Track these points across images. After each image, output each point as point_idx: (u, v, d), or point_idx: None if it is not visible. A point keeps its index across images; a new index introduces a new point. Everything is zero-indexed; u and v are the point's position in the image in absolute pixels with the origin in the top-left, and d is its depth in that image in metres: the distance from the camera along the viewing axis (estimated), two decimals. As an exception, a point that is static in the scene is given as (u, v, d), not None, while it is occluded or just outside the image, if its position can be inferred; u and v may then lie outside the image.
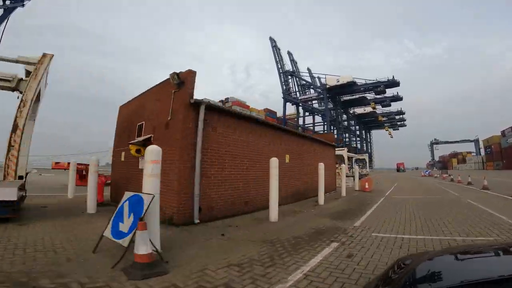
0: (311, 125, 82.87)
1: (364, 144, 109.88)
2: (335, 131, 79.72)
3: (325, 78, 69.53)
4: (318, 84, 75.85)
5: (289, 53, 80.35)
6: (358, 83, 68.01)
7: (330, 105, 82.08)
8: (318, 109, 77.59)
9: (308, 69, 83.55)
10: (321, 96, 71.12)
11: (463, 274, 1.24)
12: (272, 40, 73.99)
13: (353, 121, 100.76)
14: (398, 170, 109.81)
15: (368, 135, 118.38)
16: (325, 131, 69.18)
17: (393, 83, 68.83)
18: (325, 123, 74.44)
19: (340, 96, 74.90)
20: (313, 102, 78.87)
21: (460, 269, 1.37)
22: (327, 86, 67.80)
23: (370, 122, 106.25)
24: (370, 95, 76.16)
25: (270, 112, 72.35)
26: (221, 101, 64.60)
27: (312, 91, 77.14)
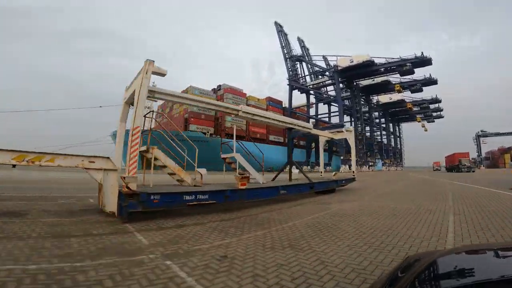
0: (326, 116, 75.26)
1: (392, 139, 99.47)
2: (352, 123, 71.72)
3: (337, 59, 61.77)
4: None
5: (300, 40, 74.07)
6: (377, 63, 59.58)
7: (347, 93, 74.34)
8: (329, 96, 69.83)
9: (324, 57, 76.25)
10: (333, 80, 63.29)
11: (477, 273, 1.20)
12: (277, 25, 68.61)
13: (377, 112, 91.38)
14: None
15: (398, 129, 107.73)
16: (340, 123, 61.47)
17: (423, 61, 59.84)
18: (332, 113, 66.83)
19: (357, 81, 66.82)
20: (328, 89, 71.39)
21: (474, 268, 1.27)
22: (339, 68, 60.05)
23: (398, 113, 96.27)
24: (395, 78, 67.36)
25: (272, 101, 66.09)
26: (213, 89, 59.57)
27: (326, 78, 69.51)
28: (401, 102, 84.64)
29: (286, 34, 68.38)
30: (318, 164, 72.65)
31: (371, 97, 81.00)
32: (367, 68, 59.36)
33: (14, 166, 5.52)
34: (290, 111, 66.14)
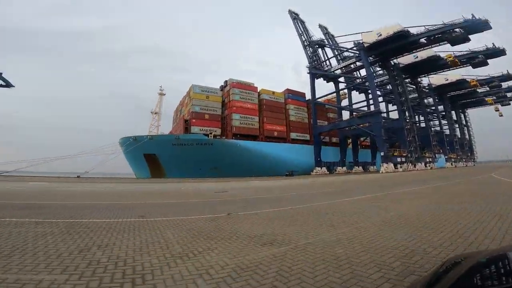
0: (363, 106, 65.80)
1: (457, 129, 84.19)
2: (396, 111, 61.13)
3: (361, 35, 52.82)
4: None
5: (322, 27, 66.30)
6: (414, 33, 49.11)
7: (385, 77, 64.05)
8: (362, 80, 60.47)
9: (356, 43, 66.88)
10: (362, 62, 54.26)
11: None
12: (292, 13, 62.26)
13: (431, 98, 77.89)
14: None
15: (463, 116, 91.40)
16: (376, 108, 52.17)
17: (478, 25, 47.37)
18: (371, 100, 57.09)
19: (394, 59, 56.63)
20: (361, 74, 62.06)
21: None
22: (365, 45, 51.04)
23: (461, 97, 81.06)
24: (446, 51, 55.50)
25: (292, 94, 59.24)
26: (221, 86, 55.22)
27: (358, 63, 59.97)
28: (462, 82, 70.17)
29: (303, 22, 61.41)
30: (357, 164, 63.12)
31: (419, 79, 68.67)
32: (401, 40, 49.00)
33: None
34: (314, 103, 58.36)
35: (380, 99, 69.30)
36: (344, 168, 60.39)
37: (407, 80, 67.40)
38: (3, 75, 48.66)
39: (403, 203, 8.32)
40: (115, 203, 10.36)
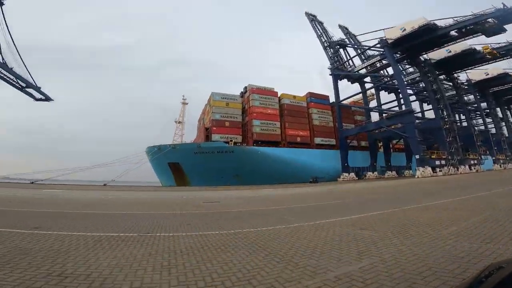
0: (395, 104, 62.51)
1: (504, 127, 76.87)
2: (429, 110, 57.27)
3: (384, 32, 50.38)
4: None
5: (342, 27, 64.43)
6: (442, 25, 45.83)
7: (416, 74, 60.42)
8: (389, 79, 57.38)
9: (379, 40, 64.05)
10: (385, 59, 51.68)
11: None
12: (309, 15, 61.51)
13: (471, 94, 72.00)
14: None
15: (510, 113, 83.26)
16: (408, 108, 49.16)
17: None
18: (402, 100, 53.85)
19: (421, 55, 53.30)
20: (390, 72, 58.99)
21: None
22: (389, 41, 48.52)
23: (505, 93, 73.94)
24: (482, 43, 51.20)
25: (315, 97, 57.84)
26: (241, 92, 55.25)
27: (384, 62, 57.14)
28: (504, 76, 64.06)
29: (321, 23, 60.16)
30: (390, 169, 59.58)
31: (455, 75, 63.81)
32: (428, 34, 45.76)
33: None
34: (339, 106, 56.24)
35: (413, 98, 65.65)
36: (375, 173, 57.19)
37: (442, 77, 63.15)
38: (41, 89, 52.69)
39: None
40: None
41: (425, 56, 55.09)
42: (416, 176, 45.09)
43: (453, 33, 47.15)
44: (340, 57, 58.41)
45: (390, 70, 57.77)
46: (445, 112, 53.81)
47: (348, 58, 58.56)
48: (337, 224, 6.71)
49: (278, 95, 55.18)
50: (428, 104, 66.92)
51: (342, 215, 8.14)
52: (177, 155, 47.37)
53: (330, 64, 57.33)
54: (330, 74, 57.02)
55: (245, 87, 55.05)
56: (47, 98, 55.17)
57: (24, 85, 50.28)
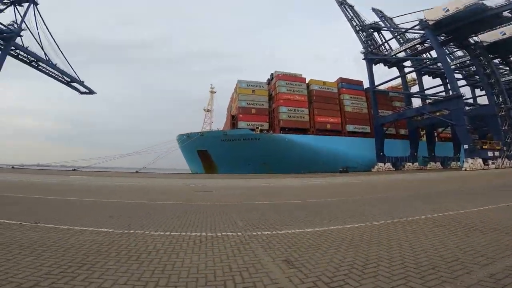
0: (441, 90, 57.12)
1: None
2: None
3: (423, 13, 46.07)
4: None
5: (376, 10, 59.91)
6: (491, 6, 40.40)
7: (466, 58, 54.42)
8: (432, 61, 52.50)
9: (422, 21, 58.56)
10: (427, 41, 47.26)
11: None
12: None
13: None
14: None
15: None
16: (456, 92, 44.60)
17: None
18: (448, 85, 48.94)
19: (470, 37, 47.93)
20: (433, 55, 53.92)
21: None
22: (430, 23, 44.18)
23: None
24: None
25: (347, 82, 55.23)
26: (268, 79, 54.49)
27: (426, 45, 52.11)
28: None
29: (351, 6, 56.55)
30: (434, 160, 54.62)
31: (511, 57, 56.31)
32: (475, 15, 40.54)
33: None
34: (373, 91, 52.78)
35: (462, 83, 59.49)
36: (416, 164, 52.79)
37: (497, 61, 56.31)
38: (85, 83, 57.30)
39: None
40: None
41: (475, 38, 49.55)
42: (463, 168, 40.40)
43: (506, 13, 41.65)
44: (375, 41, 54.74)
45: (433, 54, 52.78)
46: (500, 98, 48.00)
47: (383, 41, 54.53)
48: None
49: (307, 81, 53.61)
50: (481, 90, 60.07)
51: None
52: (205, 143, 48.20)
53: (363, 48, 53.99)
54: (364, 59, 53.70)
55: (272, 74, 54.17)
56: (91, 91, 60.03)
57: (69, 80, 55.12)
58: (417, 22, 47.07)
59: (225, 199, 10.35)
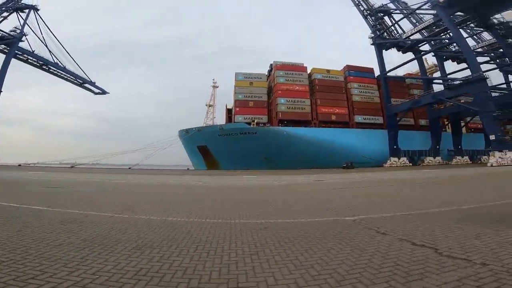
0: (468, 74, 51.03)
1: None
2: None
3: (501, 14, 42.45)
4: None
5: None
6: None
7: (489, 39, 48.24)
8: (450, 41, 47.13)
9: None
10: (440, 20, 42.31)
11: None
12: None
13: None
14: None
15: None
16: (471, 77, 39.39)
17: None
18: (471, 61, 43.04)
19: (492, 14, 42.66)
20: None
21: None
22: (441, 0, 39.55)
23: None
24: None
25: (354, 70, 51.62)
26: (268, 71, 52.46)
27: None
28: None
29: None
30: (461, 153, 48.48)
31: None
32: None
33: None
34: (385, 78, 48.24)
35: (494, 68, 52.63)
36: (438, 159, 47.15)
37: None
38: (96, 84, 59.53)
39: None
40: None
41: (499, 17, 43.85)
42: (489, 164, 34.15)
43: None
44: (385, 25, 50.34)
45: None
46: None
47: (394, 22, 49.80)
48: None
49: (308, 70, 50.54)
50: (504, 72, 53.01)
51: None
52: (204, 138, 47.06)
53: (372, 33, 49.78)
54: (372, 44, 49.44)
55: (271, 64, 51.85)
56: (103, 92, 62.31)
57: (81, 81, 57.45)
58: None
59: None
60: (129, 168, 45.15)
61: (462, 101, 43.46)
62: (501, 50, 48.06)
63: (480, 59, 51.92)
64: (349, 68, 51.99)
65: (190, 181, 18.41)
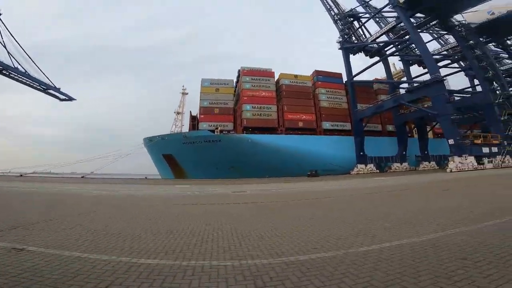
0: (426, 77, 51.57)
1: None
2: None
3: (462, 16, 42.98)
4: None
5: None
6: None
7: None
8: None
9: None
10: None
11: None
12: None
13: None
14: None
15: None
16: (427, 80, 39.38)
17: None
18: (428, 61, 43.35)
19: (452, 15, 43.48)
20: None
21: None
22: (401, 0, 39.52)
23: None
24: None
25: (323, 75, 51.29)
26: (236, 76, 51.57)
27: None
28: None
29: None
30: (428, 159, 48.75)
31: (508, 42, 50.02)
32: None
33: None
34: (351, 83, 48.06)
35: (462, 74, 53.65)
36: (405, 165, 47.36)
37: (492, 46, 50.62)
38: (61, 89, 56.49)
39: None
40: None
41: (459, 18, 44.45)
42: (448, 170, 33.80)
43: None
44: (353, 28, 50.17)
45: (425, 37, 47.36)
46: (495, 84, 42.46)
47: (362, 28, 49.66)
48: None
49: (276, 76, 49.84)
50: (473, 78, 54.03)
51: None
52: (168, 146, 45.66)
53: (340, 37, 49.51)
54: (339, 48, 49.18)
55: (239, 70, 50.85)
56: (70, 98, 59.09)
57: (44, 87, 54.39)
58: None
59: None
60: (82, 177, 43.45)
61: (425, 105, 43.63)
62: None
63: (444, 62, 52.97)
64: (317, 74, 51.62)
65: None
